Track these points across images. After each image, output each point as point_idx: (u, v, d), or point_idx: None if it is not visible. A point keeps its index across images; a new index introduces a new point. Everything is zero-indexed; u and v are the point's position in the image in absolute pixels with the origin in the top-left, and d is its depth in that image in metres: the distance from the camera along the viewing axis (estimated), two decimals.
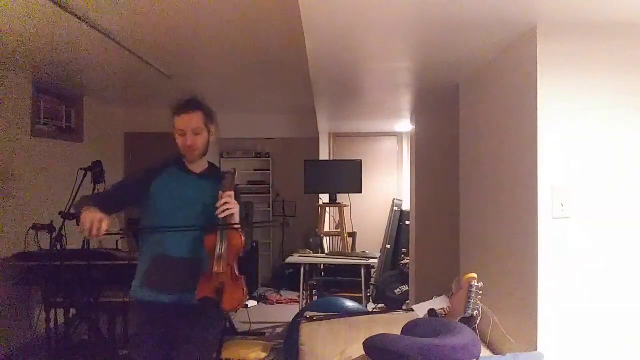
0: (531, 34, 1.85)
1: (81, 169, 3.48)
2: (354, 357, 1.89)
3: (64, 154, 4.56)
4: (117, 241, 3.96)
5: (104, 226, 1.72)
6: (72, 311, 3.45)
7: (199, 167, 2.15)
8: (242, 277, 2.01)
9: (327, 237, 5.79)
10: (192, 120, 2.03)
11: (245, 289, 1.99)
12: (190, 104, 2.06)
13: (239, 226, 2.00)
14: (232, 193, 1.97)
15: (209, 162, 2.21)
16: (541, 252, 1.80)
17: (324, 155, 6.34)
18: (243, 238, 2.00)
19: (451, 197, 3.05)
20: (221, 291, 1.93)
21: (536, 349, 1.80)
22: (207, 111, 2.09)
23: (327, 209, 5.68)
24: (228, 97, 5.15)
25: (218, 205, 1.93)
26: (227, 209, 1.94)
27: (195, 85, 4.20)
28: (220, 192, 1.96)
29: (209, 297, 1.94)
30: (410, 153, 4.86)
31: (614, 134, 1.82)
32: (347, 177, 5.28)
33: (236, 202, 1.98)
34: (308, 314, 2.57)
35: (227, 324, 3.90)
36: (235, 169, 2.08)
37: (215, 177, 2.13)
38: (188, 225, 2.01)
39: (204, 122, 2.06)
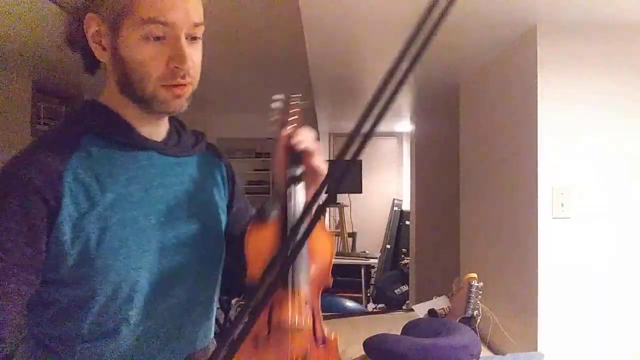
0: (531, 34, 1.84)
1: None
2: (354, 357, 1.89)
3: None
4: None
5: None
6: None
7: (159, 128, 0.92)
8: (335, 338, 0.92)
9: None
10: (191, 6, 0.84)
11: None
12: None
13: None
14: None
15: (171, 118, 0.95)
16: (541, 252, 1.80)
17: (323, 155, 6.35)
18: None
19: (451, 197, 3.05)
20: None
21: (536, 349, 1.80)
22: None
23: (327, 209, 5.68)
24: (228, 97, 5.14)
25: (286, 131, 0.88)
26: (301, 140, 0.90)
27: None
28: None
29: None
30: (411, 153, 4.86)
31: (614, 134, 1.82)
32: (347, 177, 5.27)
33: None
34: None
35: (224, 323, 3.90)
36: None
37: (200, 152, 1.00)
38: (186, 267, 0.89)
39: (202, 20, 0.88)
